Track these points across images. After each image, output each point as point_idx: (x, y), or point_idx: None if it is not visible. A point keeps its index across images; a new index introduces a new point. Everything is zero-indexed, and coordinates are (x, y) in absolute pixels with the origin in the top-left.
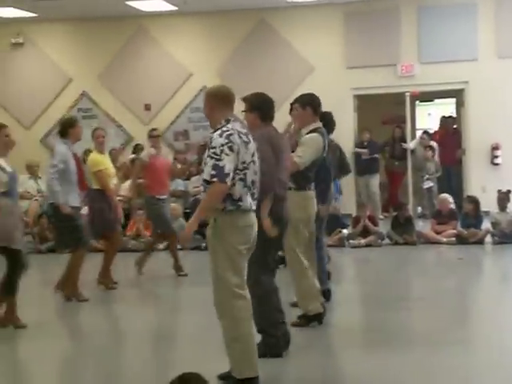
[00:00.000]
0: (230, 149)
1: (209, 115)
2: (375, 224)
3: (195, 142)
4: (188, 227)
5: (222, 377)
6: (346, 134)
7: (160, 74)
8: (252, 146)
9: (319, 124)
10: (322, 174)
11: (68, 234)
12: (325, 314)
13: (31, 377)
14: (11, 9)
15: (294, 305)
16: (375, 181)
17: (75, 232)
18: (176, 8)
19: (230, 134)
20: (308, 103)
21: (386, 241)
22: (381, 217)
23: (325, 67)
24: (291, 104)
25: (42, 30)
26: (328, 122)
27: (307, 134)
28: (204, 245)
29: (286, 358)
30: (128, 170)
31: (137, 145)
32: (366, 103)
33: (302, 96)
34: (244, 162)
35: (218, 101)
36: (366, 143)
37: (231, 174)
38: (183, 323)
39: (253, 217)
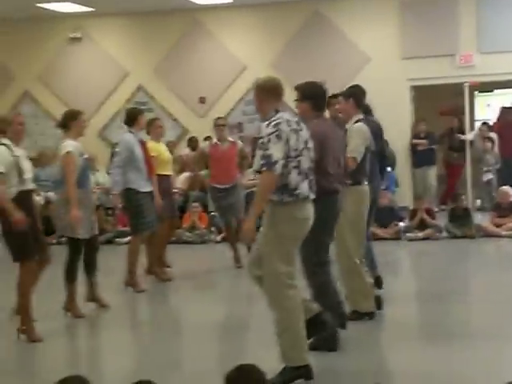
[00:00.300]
0: (278, 137)
1: (258, 107)
2: (433, 217)
3: (249, 135)
4: (248, 223)
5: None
6: (402, 126)
7: (215, 66)
8: (304, 133)
9: (361, 116)
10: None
11: (134, 218)
12: (381, 307)
13: (95, 366)
14: (69, 4)
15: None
16: (433, 173)
17: (137, 217)
18: (231, 0)
19: (278, 123)
20: (351, 95)
21: (444, 234)
22: (436, 209)
23: (381, 58)
24: (329, 97)
25: (99, 24)
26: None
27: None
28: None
29: (339, 350)
30: (183, 162)
31: (191, 137)
32: (422, 94)
33: (347, 89)
34: (296, 149)
35: (265, 93)
36: (422, 135)
37: (280, 162)
38: (239, 314)
39: (310, 208)
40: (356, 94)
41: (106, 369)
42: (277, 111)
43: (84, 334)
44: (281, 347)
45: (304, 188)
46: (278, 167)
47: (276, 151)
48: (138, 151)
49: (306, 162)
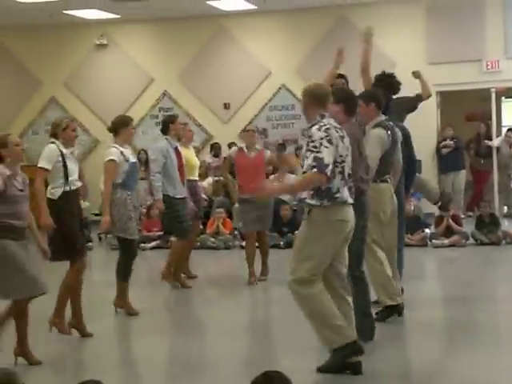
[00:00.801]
0: (329, 142)
1: (303, 111)
2: (459, 224)
3: (274, 141)
4: (272, 186)
5: (321, 369)
6: (428, 131)
7: (239, 72)
8: (347, 139)
9: (382, 117)
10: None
11: (173, 224)
12: (402, 309)
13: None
14: (95, 11)
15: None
16: (461, 178)
17: (177, 222)
18: (256, 7)
19: (328, 128)
20: (372, 99)
21: (471, 241)
22: (463, 216)
23: (406, 63)
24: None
25: (125, 31)
26: (389, 84)
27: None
28: (282, 243)
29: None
30: (207, 168)
31: (214, 144)
32: (449, 99)
33: (366, 92)
34: (341, 156)
35: (310, 99)
36: (449, 140)
37: (331, 166)
38: (263, 318)
39: (349, 211)
40: (377, 99)
41: (135, 372)
42: (322, 116)
43: (117, 338)
44: (322, 336)
45: (344, 193)
46: (329, 171)
47: (327, 155)
48: (173, 158)
49: (347, 169)
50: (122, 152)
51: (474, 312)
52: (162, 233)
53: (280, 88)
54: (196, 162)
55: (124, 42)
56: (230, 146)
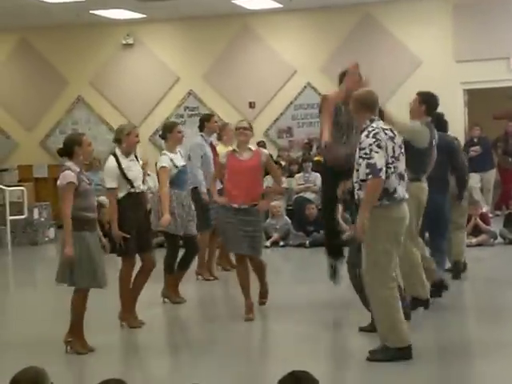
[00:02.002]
0: (378, 146)
1: (354, 116)
2: (487, 223)
3: (299, 139)
4: (360, 221)
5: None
6: (455, 130)
7: (264, 71)
8: (398, 139)
9: (428, 119)
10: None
11: (199, 214)
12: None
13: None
14: (121, 10)
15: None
16: (490, 178)
17: (205, 211)
18: (281, 5)
19: (376, 133)
20: (425, 102)
21: (499, 240)
22: (491, 215)
23: (433, 61)
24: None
25: (151, 30)
26: (438, 121)
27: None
28: (308, 242)
29: None
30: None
31: None
32: (476, 98)
33: (425, 93)
34: (393, 156)
35: (360, 105)
36: (476, 139)
37: (384, 169)
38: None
39: (405, 207)
40: (430, 103)
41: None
42: (371, 120)
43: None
44: (381, 330)
45: (400, 190)
46: (383, 174)
47: (379, 159)
48: (209, 153)
49: (402, 166)
50: (171, 159)
51: (502, 316)
52: None
53: (305, 87)
54: None
55: (150, 42)
56: (259, 144)
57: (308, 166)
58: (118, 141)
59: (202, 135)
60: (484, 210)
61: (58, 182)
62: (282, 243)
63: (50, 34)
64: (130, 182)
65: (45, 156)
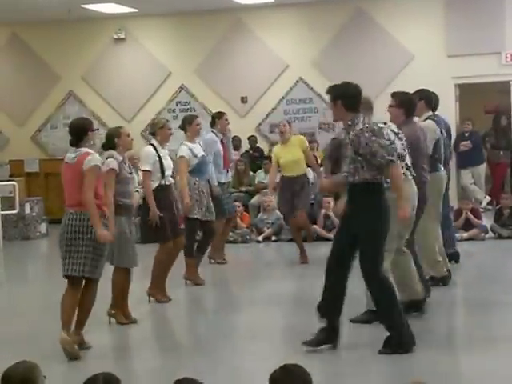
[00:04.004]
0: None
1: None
2: (478, 217)
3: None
4: (404, 209)
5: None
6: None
7: (256, 66)
8: (402, 136)
9: (430, 113)
10: None
11: (214, 205)
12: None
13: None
14: (113, 5)
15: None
16: (481, 172)
17: (218, 205)
18: (273, 0)
19: (382, 128)
20: (422, 97)
21: (490, 234)
22: (481, 209)
23: (425, 55)
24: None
25: (142, 25)
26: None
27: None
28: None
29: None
30: None
31: (234, 137)
32: (467, 92)
33: (421, 90)
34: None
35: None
36: (467, 134)
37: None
38: (283, 316)
39: (413, 184)
40: (427, 97)
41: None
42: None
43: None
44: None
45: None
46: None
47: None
48: (220, 148)
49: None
50: (190, 149)
51: (492, 308)
52: None
53: (297, 81)
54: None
55: (141, 36)
56: (250, 139)
57: None
58: (153, 134)
59: (213, 132)
60: (484, 202)
61: (100, 169)
62: (274, 238)
63: (42, 28)
64: (163, 171)
65: (36, 151)
